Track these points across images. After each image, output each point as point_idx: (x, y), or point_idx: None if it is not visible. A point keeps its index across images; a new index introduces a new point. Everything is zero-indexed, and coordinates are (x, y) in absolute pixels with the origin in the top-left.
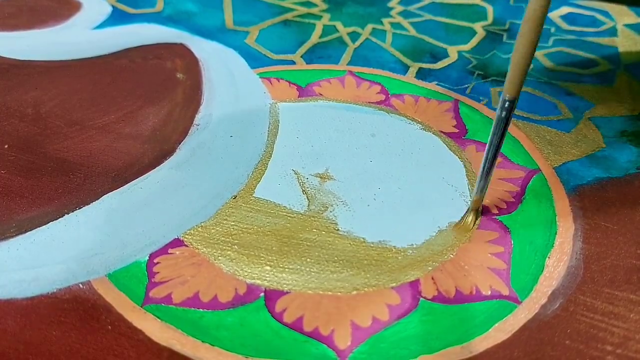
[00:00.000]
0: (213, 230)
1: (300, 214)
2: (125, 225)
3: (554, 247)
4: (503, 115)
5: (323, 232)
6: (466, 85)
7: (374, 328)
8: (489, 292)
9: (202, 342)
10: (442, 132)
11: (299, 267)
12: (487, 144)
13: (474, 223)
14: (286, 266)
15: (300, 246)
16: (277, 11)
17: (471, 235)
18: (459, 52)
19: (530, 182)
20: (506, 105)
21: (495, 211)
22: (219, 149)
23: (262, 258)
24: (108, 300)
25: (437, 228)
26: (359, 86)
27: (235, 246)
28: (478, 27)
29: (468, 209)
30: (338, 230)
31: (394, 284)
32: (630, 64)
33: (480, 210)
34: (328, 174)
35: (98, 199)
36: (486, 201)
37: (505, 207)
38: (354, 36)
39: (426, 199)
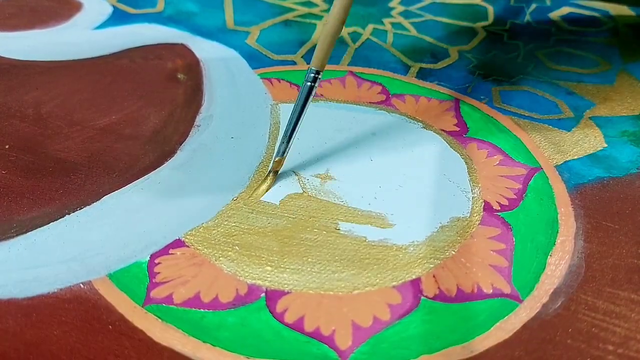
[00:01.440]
0: (214, 231)
1: (301, 214)
2: (126, 225)
3: (556, 245)
4: (309, 84)
5: (324, 232)
6: (467, 85)
7: (375, 328)
8: (491, 290)
9: (203, 342)
10: (443, 130)
11: (299, 267)
12: (293, 110)
13: (268, 188)
14: (287, 266)
15: (301, 246)
16: (277, 11)
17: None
18: (460, 52)
19: (531, 180)
20: (312, 76)
21: (497, 207)
22: (220, 150)
23: (263, 258)
24: (109, 300)
25: (439, 224)
26: (359, 86)
27: (236, 247)
28: (479, 27)
29: (269, 172)
30: (339, 229)
31: (395, 283)
32: (631, 63)
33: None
34: (329, 174)
35: (99, 199)
36: (487, 197)
37: (507, 203)
38: (354, 36)
39: (427, 196)
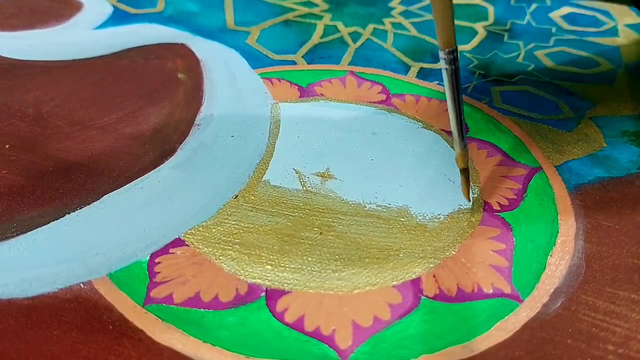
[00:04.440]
0: (214, 230)
1: (302, 212)
2: (126, 225)
3: (556, 245)
4: (452, 67)
5: (324, 231)
6: (467, 85)
7: (375, 327)
8: (491, 290)
9: (203, 341)
10: (443, 130)
11: (300, 266)
12: (450, 101)
13: (468, 186)
14: (287, 265)
15: (301, 245)
16: (278, 11)
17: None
18: (460, 52)
19: (532, 180)
20: (451, 57)
21: (497, 207)
22: (220, 149)
23: (263, 257)
24: (109, 300)
25: (439, 224)
26: (360, 86)
27: (237, 245)
28: (479, 27)
29: (461, 170)
30: (339, 228)
31: (395, 282)
32: (631, 63)
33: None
34: (329, 173)
35: (99, 198)
36: (488, 197)
37: (507, 203)
38: (355, 36)
39: (427, 195)
